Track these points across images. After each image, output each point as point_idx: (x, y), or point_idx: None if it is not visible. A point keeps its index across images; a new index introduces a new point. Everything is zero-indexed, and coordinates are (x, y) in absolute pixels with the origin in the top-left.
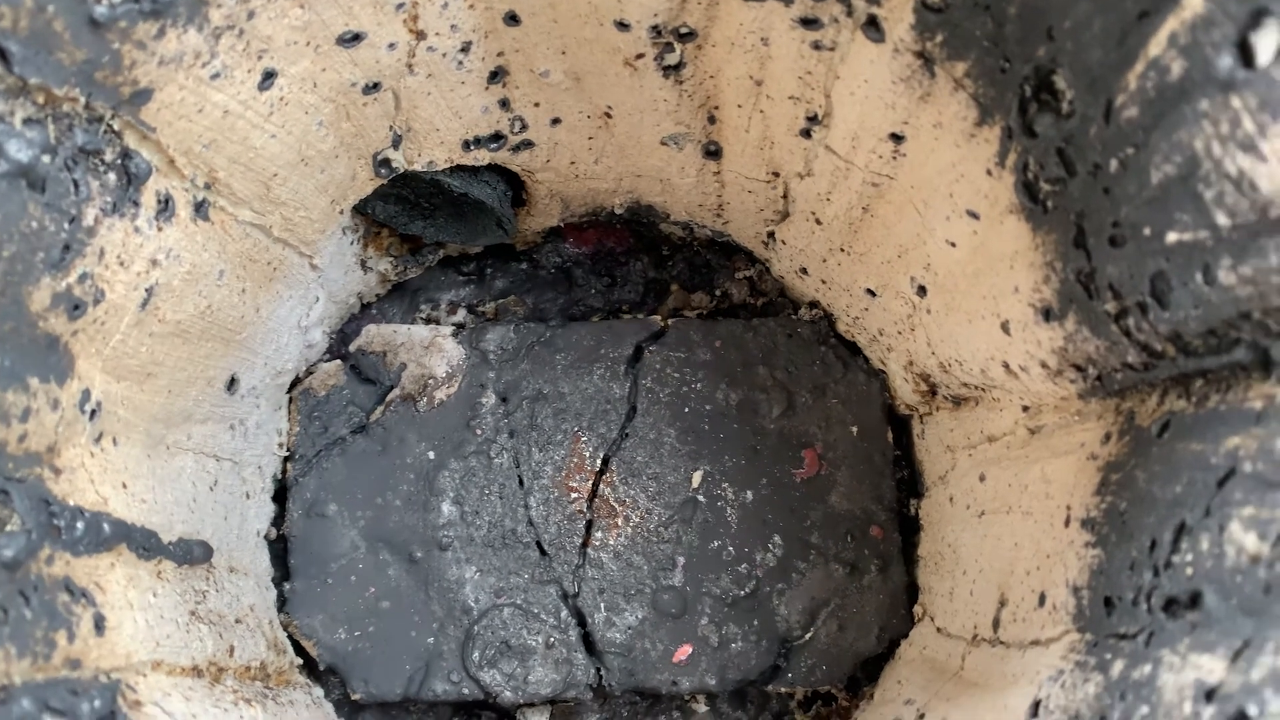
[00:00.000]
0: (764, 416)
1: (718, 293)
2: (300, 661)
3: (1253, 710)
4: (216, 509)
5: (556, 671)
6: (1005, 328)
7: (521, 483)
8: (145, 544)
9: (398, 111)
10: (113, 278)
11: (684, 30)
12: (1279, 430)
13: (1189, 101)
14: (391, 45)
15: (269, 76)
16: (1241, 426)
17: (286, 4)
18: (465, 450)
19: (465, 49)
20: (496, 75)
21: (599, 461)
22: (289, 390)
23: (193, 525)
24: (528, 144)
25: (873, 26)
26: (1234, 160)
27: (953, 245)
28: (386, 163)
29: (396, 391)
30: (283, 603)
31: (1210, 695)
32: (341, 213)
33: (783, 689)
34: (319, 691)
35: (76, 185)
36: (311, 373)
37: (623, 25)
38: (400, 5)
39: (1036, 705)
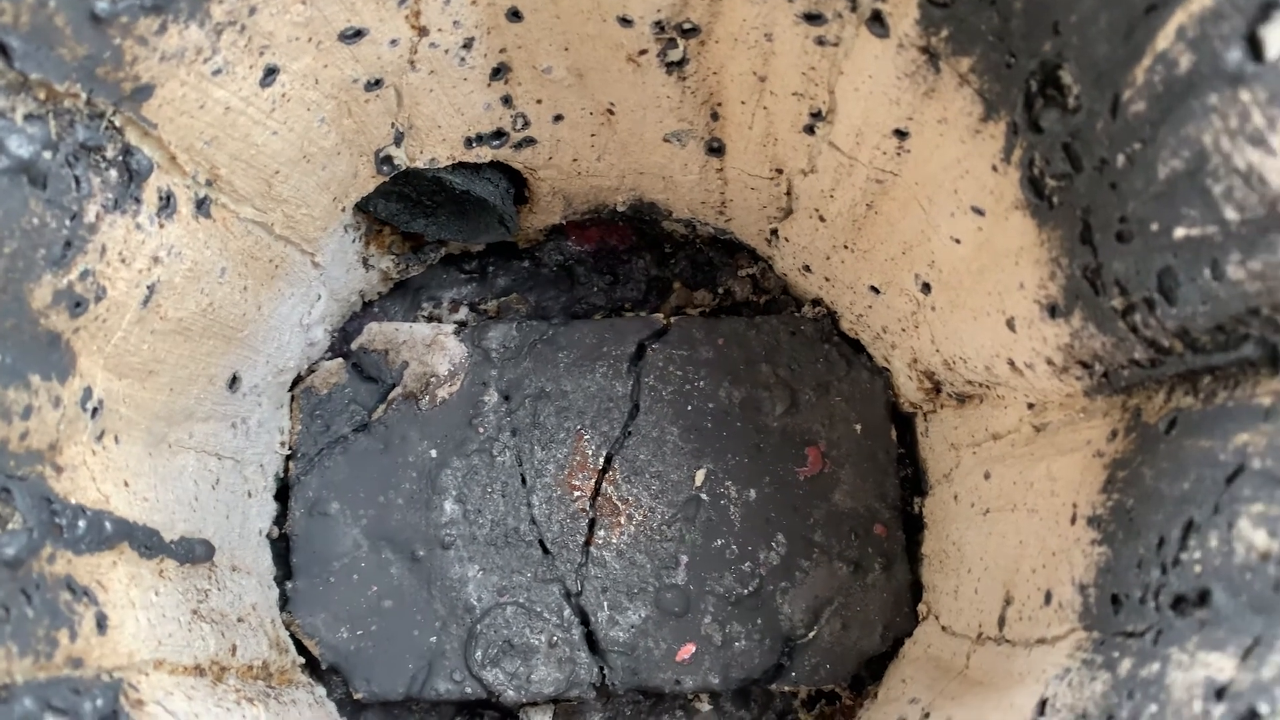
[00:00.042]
0: (767, 414)
1: (720, 290)
2: (302, 661)
3: (1264, 708)
4: (218, 507)
5: (559, 670)
6: (1010, 324)
7: (524, 481)
8: (147, 542)
9: (400, 108)
10: (114, 275)
11: (687, 26)
12: None
13: (1197, 96)
14: (394, 41)
15: (271, 73)
16: (1250, 423)
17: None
18: (468, 448)
19: (468, 45)
20: (499, 72)
21: (602, 460)
22: (291, 388)
23: (195, 524)
24: (530, 141)
25: (877, 22)
26: (1243, 154)
27: (957, 242)
28: (388, 160)
29: (398, 390)
30: (285, 602)
31: (1221, 693)
32: (343, 210)
33: (786, 688)
34: (321, 691)
35: (78, 182)
36: (313, 371)
37: (626, 21)
38: (403, 1)
39: (1043, 704)
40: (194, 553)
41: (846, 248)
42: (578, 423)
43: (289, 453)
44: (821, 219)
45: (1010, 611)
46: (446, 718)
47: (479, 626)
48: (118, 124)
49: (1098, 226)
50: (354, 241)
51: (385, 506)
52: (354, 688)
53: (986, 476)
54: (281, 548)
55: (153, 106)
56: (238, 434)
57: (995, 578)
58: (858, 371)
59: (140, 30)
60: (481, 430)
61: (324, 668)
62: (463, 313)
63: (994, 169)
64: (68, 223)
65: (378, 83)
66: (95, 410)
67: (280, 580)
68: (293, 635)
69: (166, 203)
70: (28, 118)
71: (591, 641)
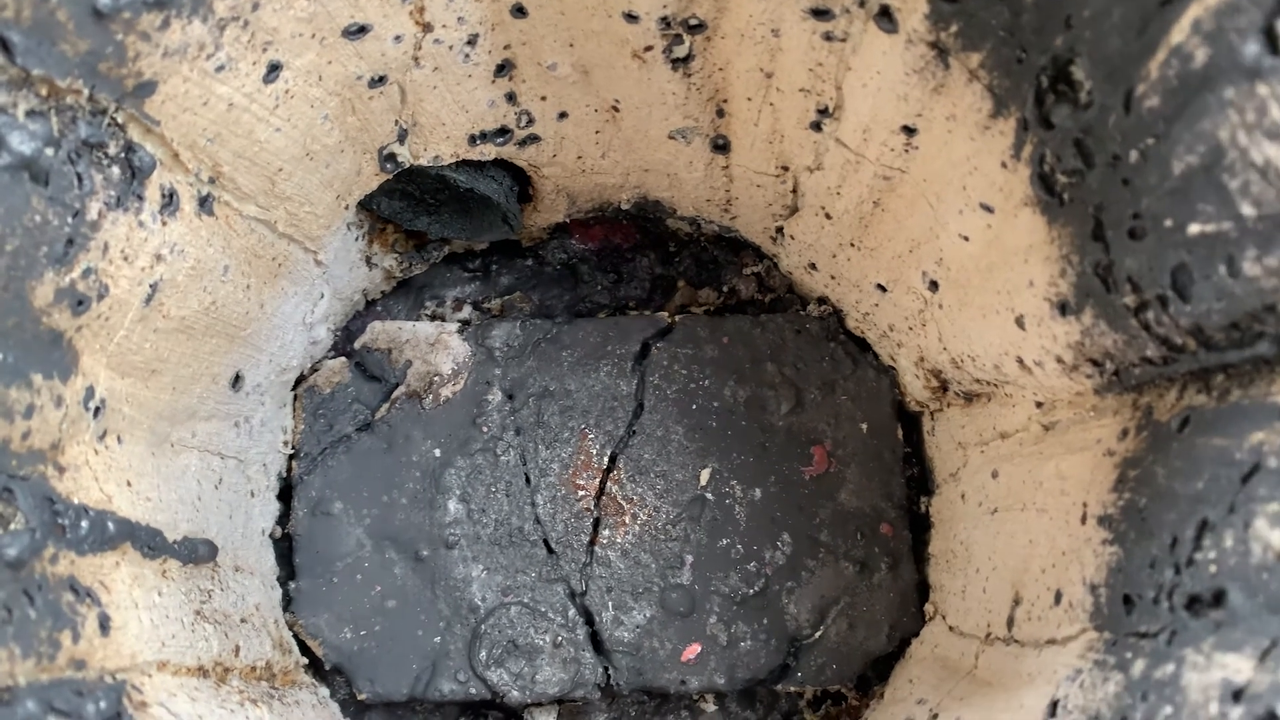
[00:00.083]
0: (772, 413)
1: (725, 289)
2: (306, 661)
3: None
4: (221, 507)
5: (564, 671)
6: (1020, 322)
7: (528, 480)
8: (150, 543)
9: (403, 105)
10: (116, 273)
11: (693, 22)
12: None
13: (1213, 90)
14: (398, 38)
15: (274, 69)
16: (1265, 421)
17: None
18: (471, 448)
19: (472, 42)
20: (503, 68)
21: (606, 459)
22: (294, 388)
23: (197, 524)
24: (534, 138)
25: (885, 17)
26: (1260, 149)
27: (966, 239)
28: (392, 157)
29: (402, 389)
30: (288, 602)
31: (1238, 695)
32: (347, 208)
33: (792, 688)
34: (325, 691)
35: (80, 179)
36: (316, 370)
37: (631, 17)
38: None
39: (1054, 705)
40: (197, 553)
41: (853, 245)
42: (582, 422)
43: (292, 452)
44: (828, 216)
45: (1019, 612)
46: (450, 718)
47: (483, 627)
48: (120, 121)
49: (1110, 223)
50: (357, 240)
51: (389, 506)
52: (358, 688)
53: (994, 475)
54: (285, 548)
55: (155, 103)
56: (241, 433)
57: (1004, 577)
58: (864, 370)
59: (143, 26)
60: (485, 429)
61: (327, 668)
62: (466, 311)
63: (1003, 165)
64: (70, 220)
65: (381, 79)
66: (98, 409)
67: (283, 580)
68: (296, 636)
69: (169, 200)
70: (29, 114)
71: (596, 641)
